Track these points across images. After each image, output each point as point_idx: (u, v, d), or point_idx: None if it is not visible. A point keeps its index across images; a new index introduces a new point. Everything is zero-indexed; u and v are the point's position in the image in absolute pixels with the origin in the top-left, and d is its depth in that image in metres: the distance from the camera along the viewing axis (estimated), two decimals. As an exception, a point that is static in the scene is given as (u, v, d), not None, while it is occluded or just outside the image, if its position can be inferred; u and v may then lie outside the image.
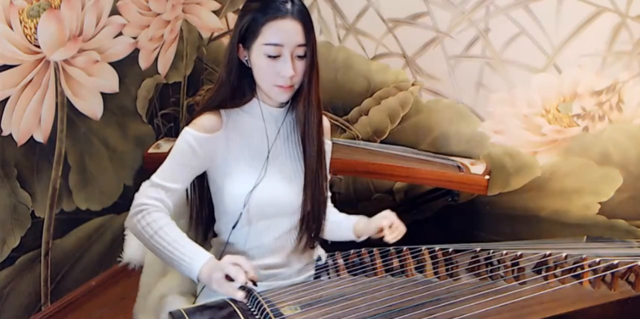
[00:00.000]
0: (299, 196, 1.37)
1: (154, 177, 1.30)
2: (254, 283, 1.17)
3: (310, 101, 1.32)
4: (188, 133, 1.29)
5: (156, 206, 1.28)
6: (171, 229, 1.25)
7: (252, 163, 1.35)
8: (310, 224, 1.39)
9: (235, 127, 1.34)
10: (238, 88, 1.32)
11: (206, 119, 1.31)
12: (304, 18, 1.25)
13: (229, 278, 1.16)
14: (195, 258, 1.21)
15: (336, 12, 2.32)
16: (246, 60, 1.30)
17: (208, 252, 1.24)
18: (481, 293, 1.21)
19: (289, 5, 1.24)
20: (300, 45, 1.25)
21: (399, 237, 1.35)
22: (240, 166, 1.34)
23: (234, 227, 1.36)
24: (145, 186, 1.31)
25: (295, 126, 1.38)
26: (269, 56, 1.25)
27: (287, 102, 1.37)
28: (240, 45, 1.29)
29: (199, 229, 1.48)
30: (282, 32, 1.23)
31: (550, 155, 2.21)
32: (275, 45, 1.24)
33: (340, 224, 1.48)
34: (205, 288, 1.43)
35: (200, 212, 1.44)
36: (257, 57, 1.26)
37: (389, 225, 1.36)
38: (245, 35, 1.27)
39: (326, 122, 1.44)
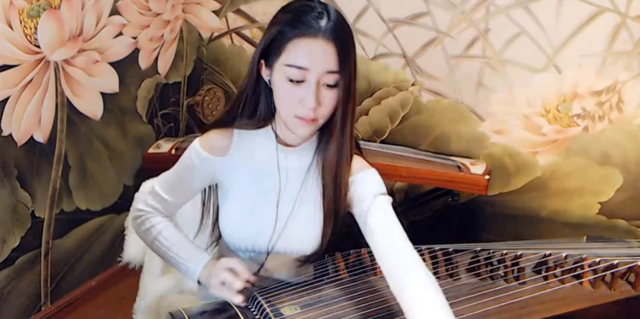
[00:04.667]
0: (315, 241, 1.23)
1: (155, 184, 1.29)
2: (252, 285, 1.16)
3: (344, 142, 1.14)
4: (194, 148, 1.22)
5: (152, 212, 1.28)
6: (170, 233, 1.25)
7: (260, 203, 1.23)
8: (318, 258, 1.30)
9: (246, 152, 1.21)
10: (254, 109, 1.17)
11: (215, 139, 1.21)
12: (340, 39, 1.04)
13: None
14: (193, 262, 1.21)
15: (336, 12, 2.31)
16: (269, 80, 1.12)
17: (206, 254, 1.23)
18: (481, 293, 1.21)
19: (323, 22, 1.04)
20: (330, 72, 1.05)
21: None
22: (245, 203, 1.23)
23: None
24: (147, 189, 1.31)
25: (321, 170, 1.19)
26: (291, 80, 1.05)
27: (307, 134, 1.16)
28: (263, 62, 1.12)
29: (214, 231, 1.41)
30: (309, 53, 1.03)
31: (550, 155, 2.21)
32: (299, 68, 1.04)
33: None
34: (205, 290, 1.43)
35: (213, 219, 1.38)
36: (278, 79, 1.08)
37: None
38: (269, 50, 1.09)
39: (372, 180, 1.21)
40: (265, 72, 1.13)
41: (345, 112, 1.11)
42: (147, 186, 1.50)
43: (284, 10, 1.11)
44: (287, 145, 1.21)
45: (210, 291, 1.17)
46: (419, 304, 1.03)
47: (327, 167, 1.18)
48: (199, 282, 1.22)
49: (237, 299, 1.13)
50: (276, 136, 1.20)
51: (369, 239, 1.16)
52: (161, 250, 1.26)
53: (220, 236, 1.36)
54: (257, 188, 1.23)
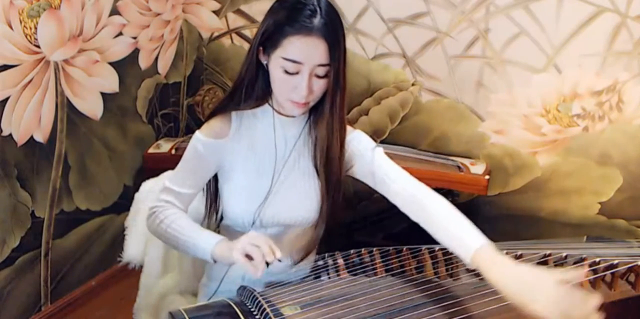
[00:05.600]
0: (308, 208, 1.33)
1: (166, 181, 1.33)
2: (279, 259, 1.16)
3: (334, 125, 1.26)
4: (196, 138, 1.30)
5: (165, 206, 1.30)
6: (182, 221, 1.28)
7: (258, 173, 1.32)
8: (325, 236, 1.38)
9: (245, 132, 1.31)
10: (252, 90, 1.27)
11: (215, 124, 1.30)
12: (331, 35, 1.15)
13: (249, 257, 1.14)
14: (206, 239, 1.23)
15: (336, 12, 2.31)
16: (266, 64, 1.24)
17: (218, 235, 1.25)
18: (481, 293, 1.21)
19: (315, 20, 1.14)
20: (321, 65, 1.17)
21: None
22: (245, 176, 1.31)
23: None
24: (158, 188, 1.34)
25: (312, 142, 1.32)
26: (286, 71, 1.18)
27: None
28: (261, 48, 1.23)
29: (212, 220, 1.46)
30: (303, 50, 1.15)
31: (550, 155, 2.21)
32: (294, 62, 1.16)
33: (453, 240, 1.17)
34: (206, 288, 1.43)
35: (214, 207, 1.43)
36: (275, 68, 1.20)
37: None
38: (267, 41, 1.20)
39: (362, 137, 1.36)
40: (262, 58, 1.23)
41: (334, 99, 1.23)
42: (147, 186, 1.50)
43: (280, 4, 1.20)
44: (284, 115, 1.31)
45: (233, 259, 1.15)
46: (450, 218, 1.19)
47: (318, 145, 1.29)
48: (214, 261, 1.22)
49: (261, 268, 1.12)
50: (274, 109, 1.30)
51: (380, 186, 1.32)
52: (172, 239, 1.27)
53: (220, 221, 1.42)
54: (259, 162, 1.31)
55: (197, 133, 1.30)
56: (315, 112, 1.29)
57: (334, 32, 1.16)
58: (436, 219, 1.21)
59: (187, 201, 1.34)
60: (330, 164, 1.30)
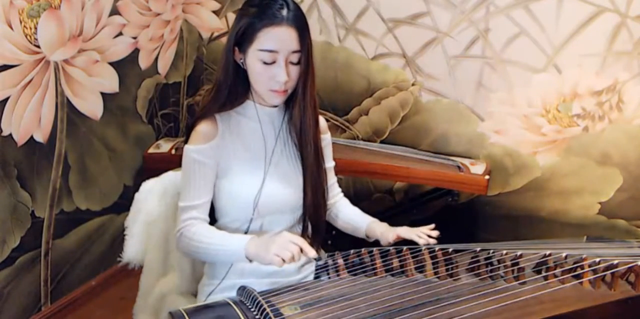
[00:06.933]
0: (299, 193, 1.40)
1: (180, 203, 1.36)
2: (316, 259, 1.24)
3: (306, 105, 1.35)
4: (189, 150, 1.34)
5: (189, 224, 1.33)
6: (208, 232, 1.32)
7: (251, 165, 1.37)
8: (312, 221, 1.42)
9: (231, 130, 1.37)
10: (234, 89, 1.35)
11: (201, 130, 1.34)
12: (300, 24, 1.27)
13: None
14: (237, 242, 1.26)
15: (336, 12, 2.32)
16: (242, 63, 1.32)
17: (246, 236, 1.28)
18: (481, 293, 1.21)
19: (284, 12, 1.26)
20: (294, 52, 1.27)
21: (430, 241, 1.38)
22: (240, 169, 1.36)
23: (246, 232, 1.38)
24: (178, 214, 1.36)
25: (291, 128, 1.40)
26: (265, 62, 1.27)
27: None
28: (236, 48, 1.31)
29: None
30: (277, 39, 1.25)
31: (550, 155, 2.21)
32: (270, 51, 1.26)
33: (353, 221, 1.53)
34: (206, 288, 1.43)
35: None
36: (252, 61, 1.29)
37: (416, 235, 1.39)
38: (241, 39, 1.29)
39: (322, 121, 1.47)
40: (237, 56, 1.32)
41: (305, 82, 1.32)
42: (147, 186, 1.50)
43: (250, 3, 1.29)
44: (267, 106, 1.40)
45: (268, 261, 1.19)
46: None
47: (294, 126, 1.38)
48: (248, 258, 1.24)
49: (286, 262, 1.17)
50: (255, 103, 1.38)
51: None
52: (204, 251, 1.30)
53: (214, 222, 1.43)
54: (252, 155, 1.37)
55: (187, 146, 1.34)
56: (291, 99, 1.37)
57: (301, 21, 1.28)
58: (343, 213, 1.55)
59: (207, 208, 1.37)
60: (307, 141, 1.38)
